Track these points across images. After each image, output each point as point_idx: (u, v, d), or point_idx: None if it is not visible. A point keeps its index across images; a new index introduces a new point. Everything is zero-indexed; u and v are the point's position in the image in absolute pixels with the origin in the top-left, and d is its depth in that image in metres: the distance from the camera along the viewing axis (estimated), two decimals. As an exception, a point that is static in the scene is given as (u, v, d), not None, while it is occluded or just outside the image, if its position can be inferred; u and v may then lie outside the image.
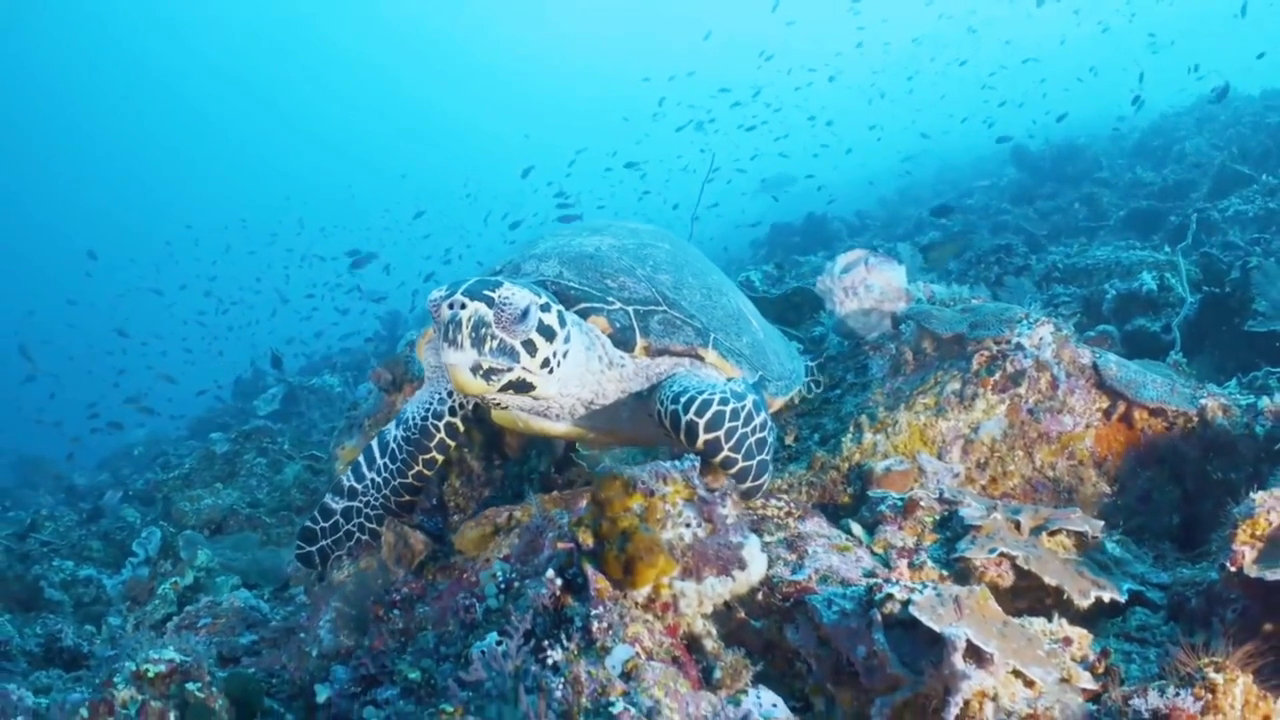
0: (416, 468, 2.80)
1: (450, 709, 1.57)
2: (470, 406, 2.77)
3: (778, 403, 3.11)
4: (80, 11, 45.28)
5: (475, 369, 2.05)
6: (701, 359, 2.59)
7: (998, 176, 13.42)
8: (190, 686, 1.92)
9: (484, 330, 2.03)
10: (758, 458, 2.32)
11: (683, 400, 2.27)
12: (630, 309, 2.51)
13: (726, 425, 2.23)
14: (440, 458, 2.82)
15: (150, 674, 1.90)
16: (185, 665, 1.98)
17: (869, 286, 3.92)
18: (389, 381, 3.95)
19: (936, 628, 1.65)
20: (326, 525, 2.94)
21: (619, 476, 1.80)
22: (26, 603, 4.36)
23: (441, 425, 2.75)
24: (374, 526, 2.89)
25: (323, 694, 1.80)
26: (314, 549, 2.96)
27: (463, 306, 2.01)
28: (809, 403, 3.80)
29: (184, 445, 8.61)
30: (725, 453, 2.24)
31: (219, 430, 7.99)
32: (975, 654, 1.70)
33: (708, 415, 2.23)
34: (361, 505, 2.91)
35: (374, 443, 2.93)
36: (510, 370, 2.10)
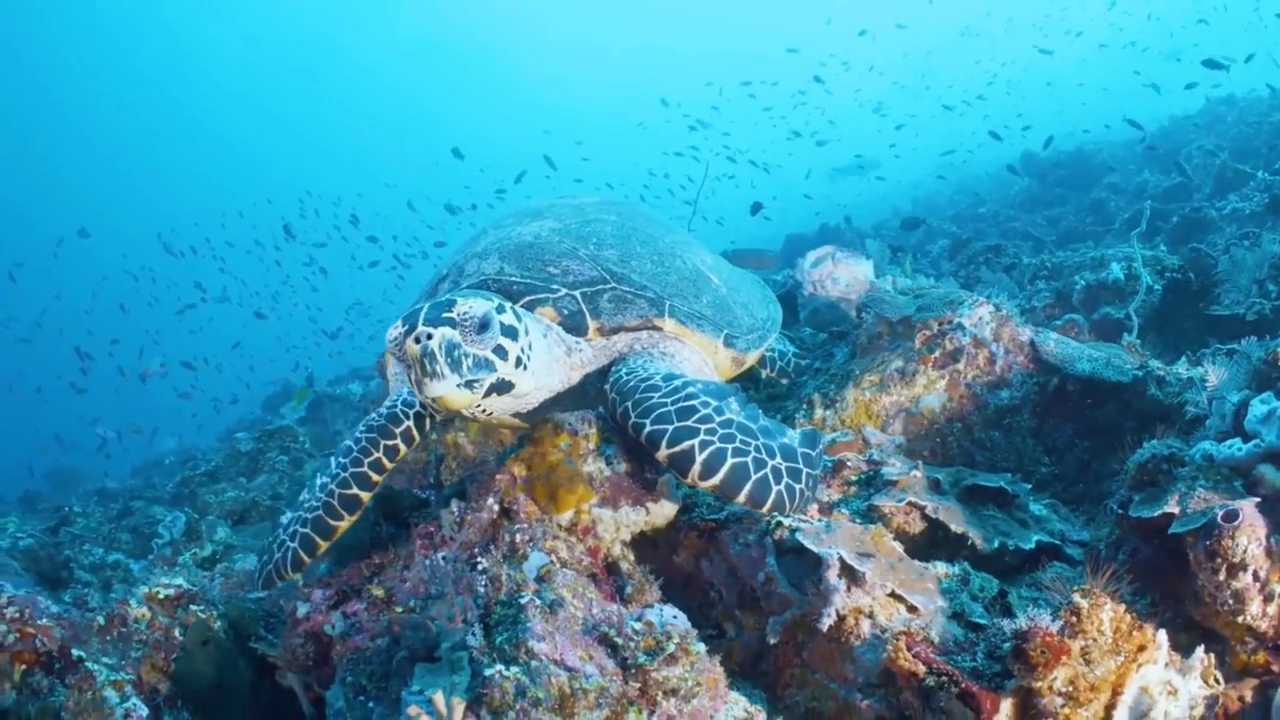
0: (375, 454, 2.48)
1: (400, 610, 1.87)
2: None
3: (751, 356, 3.05)
4: (88, 30, 46.64)
5: (459, 388, 2.02)
6: (660, 329, 2.57)
7: (1010, 185, 13.53)
8: (194, 608, 2.25)
9: (456, 352, 2.00)
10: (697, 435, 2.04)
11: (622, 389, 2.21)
12: (577, 293, 2.50)
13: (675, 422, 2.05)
14: (404, 447, 2.50)
15: (161, 596, 2.24)
16: (192, 592, 2.32)
17: (835, 279, 4.18)
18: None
19: (815, 549, 1.89)
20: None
21: (551, 420, 2.09)
22: (56, 581, 4.75)
23: (411, 414, 2.55)
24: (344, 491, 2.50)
25: (303, 610, 2.11)
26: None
27: (429, 337, 1.96)
28: (778, 388, 4.05)
29: (212, 450, 9.09)
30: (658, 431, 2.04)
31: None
32: (851, 575, 1.93)
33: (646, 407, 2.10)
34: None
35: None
36: (489, 378, 2.08)
